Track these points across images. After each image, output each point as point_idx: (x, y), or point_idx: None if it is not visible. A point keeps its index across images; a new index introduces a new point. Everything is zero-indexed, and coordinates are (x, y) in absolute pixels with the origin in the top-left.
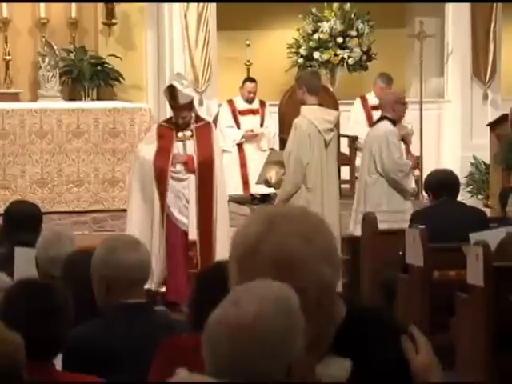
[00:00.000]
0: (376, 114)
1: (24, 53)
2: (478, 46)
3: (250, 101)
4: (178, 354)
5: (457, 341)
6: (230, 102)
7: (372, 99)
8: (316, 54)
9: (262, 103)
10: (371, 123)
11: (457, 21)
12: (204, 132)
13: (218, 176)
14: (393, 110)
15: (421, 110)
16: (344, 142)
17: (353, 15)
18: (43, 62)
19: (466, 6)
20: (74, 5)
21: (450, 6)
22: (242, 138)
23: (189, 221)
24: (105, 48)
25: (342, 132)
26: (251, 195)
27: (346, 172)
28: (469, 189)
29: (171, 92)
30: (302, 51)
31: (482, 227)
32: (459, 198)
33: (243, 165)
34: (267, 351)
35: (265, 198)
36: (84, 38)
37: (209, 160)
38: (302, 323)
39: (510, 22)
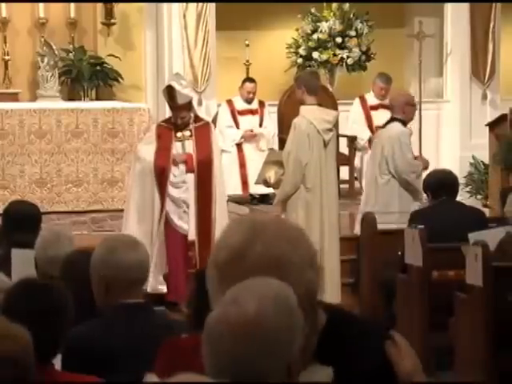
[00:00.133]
0: (375, 114)
1: (23, 53)
2: (477, 46)
3: (249, 101)
4: (179, 355)
5: (456, 341)
6: (229, 102)
7: (371, 99)
8: (315, 54)
9: (261, 103)
10: (371, 123)
11: (456, 21)
12: (203, 132)
13: (216, 176)
14: (403, 112)
15: (420, 110)
16: (343, 142)
17: (352, 15)
18: (42, 61)
19: (465, 6)
20: (73, 5)
21: (449, 6)
22: (242, 138)
23: (188, 221)
24: (104, 48)
25: (341, 132)
26: (250, 195)
27: (345, 172)
28: (468, 189)
29: (170, 92)
30: (301, 51)
31: (480, 227)
32: (458, 198)
33: (242, 165)
34: (268, 350)
35: (264, 198)
36: (83, 38)
37: (208, 160)
38: (301, 322)
39: (509, 22)
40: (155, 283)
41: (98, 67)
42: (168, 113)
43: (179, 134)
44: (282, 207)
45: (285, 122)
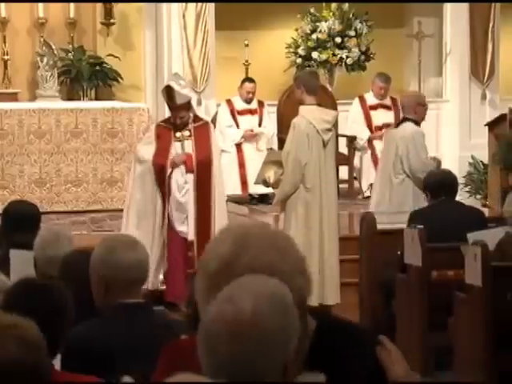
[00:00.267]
0: (374, 114)
1: (22, 53)
2: (476, 46)
3: (248, 101)
4: (180, 357)
5: (455, 340)
6: (229, 102)
7: (370, 99)
8: (314, 54)
9: (261, 103)
10: (370, 123)
11: (455, 21)
12: (202, 132)
13: (216, 176)
14: (414, 112)
15: None
16: (342, 141)
17: (351, 15)
18: (41, 61)
19: (465, 6)
20: (72, 5)
21: (448, 6)
22: (242, 137)
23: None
24: (103, 48)
25: (340, 132)
26: (250, 195)
27: (344, 172)
28: (467, 189)
29: (169, 92)
30: (301, 51)
31: (480, 227)
32: (457, 198)
33: (242, 165)
34: (265, 348)
35: (263, 198)
36: (82, 38)
37: (207, 160)
38: (297, 321)
39: (509, 22)
40: (156, 282)
41: (98, 67)
42: (167, 113)
43: (178, 134)
44: (282, 207)
45: (284, 121)
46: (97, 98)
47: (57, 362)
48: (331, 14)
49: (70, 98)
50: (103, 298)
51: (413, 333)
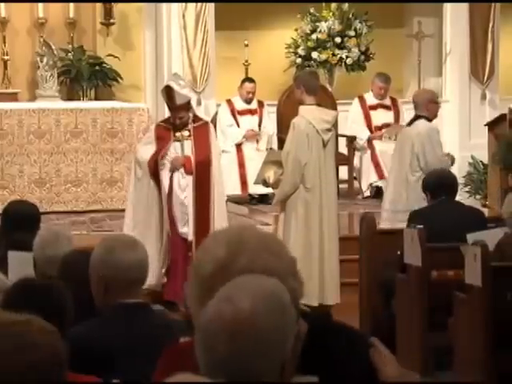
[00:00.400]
0: (374, 114)
1: (22, 53)
2: (476, 46)
3: (248, 101)
4: (179, 359)
5: (455, 341)
6: (229, 102)
7: (370, 99)
8: (314, 54)
9: (260, 103)
10: (370, 123)
11: (455, 21)
12: (202, 132)
13: (215, 176)
14: (427, 109)
15: None
16: (342, 141)
17: (351, 15)
18: (41, 61)
19: (464, 6)
20: (72, 5)
21: (448, 6)
22: (244, 137)
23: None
24: (103, 48)
25: (340, 132)
26: (249, 195)
27: (344, 172)
28: (467, 189)
29: (168, 92)
30: (300, 51)
31: (480, 227)
32: (457, 198)
33: (241, 165)
34: (262, 348)
35: (263, 198)
36: (82, 38)
37: (206, 160)
38: (294, 320)
39: (508, 22)
40: (160, 276)
41: (97, 67)
42: (167, 113)
43: (178, 134)
44: (281, 207)
45: (284, 121)
46: (96, 98)
47: None
48: (331, 14)
49: (69, 98)
50: (103, 298)
51: (413, 333)
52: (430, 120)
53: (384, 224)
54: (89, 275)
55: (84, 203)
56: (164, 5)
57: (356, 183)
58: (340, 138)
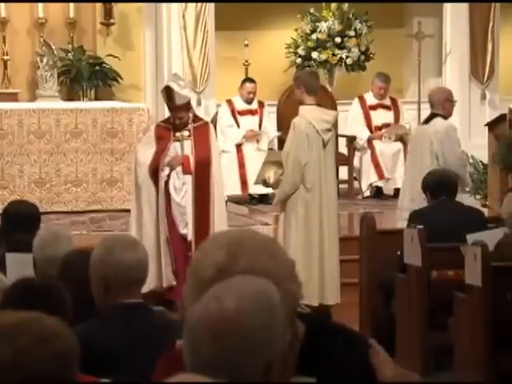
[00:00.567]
0: (374, 114)
1: (22, 53)
2: (476, 46)
3: (249, 101)
4: (176, 364)
5: (455, 340)
6: (229, 102)
7: (370, 99)
8: (314, 54)
9: (261, 104)
10: (370, 123)
11: (455, 21)
12: (202, 132)
13: (215, 176)
14: (443, 108)
15: (419, 109)
16: (342, 141)
17: (351, 15)
18: (41, 61)
19: (464, 6)
20: (72, 5)
21: (448, 6)
22: (243, 137)
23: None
24: (103, 48)
25: (340, 132)
26: (249, 195)
27: (344, 172)
28: (467, 189)
29: (168, 93)
30: (300, 51)
31: (480, 227)
32: (457, 198)
33: (241, 165)
34: (247, 347)
35: (263, 198)
36: (82, 38)
37: (206, 160)
38: (284, 321)
39: (508, 23)
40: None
41: (97, 67)
42: (167, 113)
43: (178, 134)
44: (281, 207)
45: (284, 122)
46: (96, 98)
47: None
48: (331, 14)
49: (69, 98)
50: (103, 298)
51: (413, 333)
52: (445, 118)
53: (401, 224)
54: (89, 275)
55: (84, 203)
56: (164, 5)
57: (356, 183)
58: (340, 138)
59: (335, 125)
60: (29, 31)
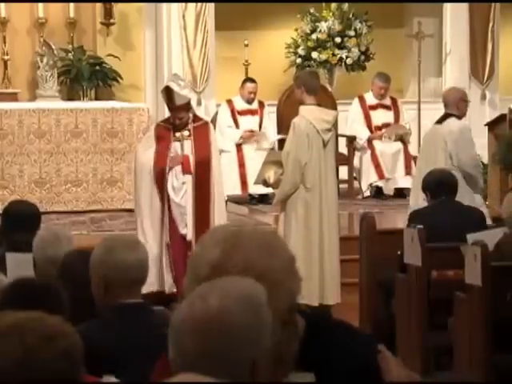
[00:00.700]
0: (374, 114)
1: (22, 53)
2: (476, 46)
3: (250, 101)
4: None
5: (455, 340)
6: (229, 102)
7: (370, 99)
8: (314, 54)
9: (261, 104)
10: (370, 123)
11: (455, 21)
12: (202, 132)
13: (215, 176)
14: (457, 108)
15: (419, 109)
16: (342, 141)
17: (351, 15)
18: (41, 61)
19: (464, 6)
20: (72, 5)
21: (448, 7)
22: (241, 138)
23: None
24: (103, 48)
25: (340, 132)
26: (249, 195)
27: (344, 172)
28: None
29: (168, 93)
30: (300, 51)
31: (479, 227)
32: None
33: (241, 165)
34: (231, 345)
35: (263, 198)
36: (82, 38)
37: (206, 160)
38: (269, 321)
39: (508, 23)
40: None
41: (98, 67)
42: (167, 113)
43: (178, 134)
44: (281, 207)
45: (284, 122)
46: (97, 98)
47: None
48: (331, 14)
49: (69, 98)
50: (103, 298)
51: (413, 333)
52: (459, 118)
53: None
54: (89, 275)
55: (84, 203)
56: (164, 5)
57: (356, 183)
58: (340, 138)
59: (335, 125)
60: (29, 31)
